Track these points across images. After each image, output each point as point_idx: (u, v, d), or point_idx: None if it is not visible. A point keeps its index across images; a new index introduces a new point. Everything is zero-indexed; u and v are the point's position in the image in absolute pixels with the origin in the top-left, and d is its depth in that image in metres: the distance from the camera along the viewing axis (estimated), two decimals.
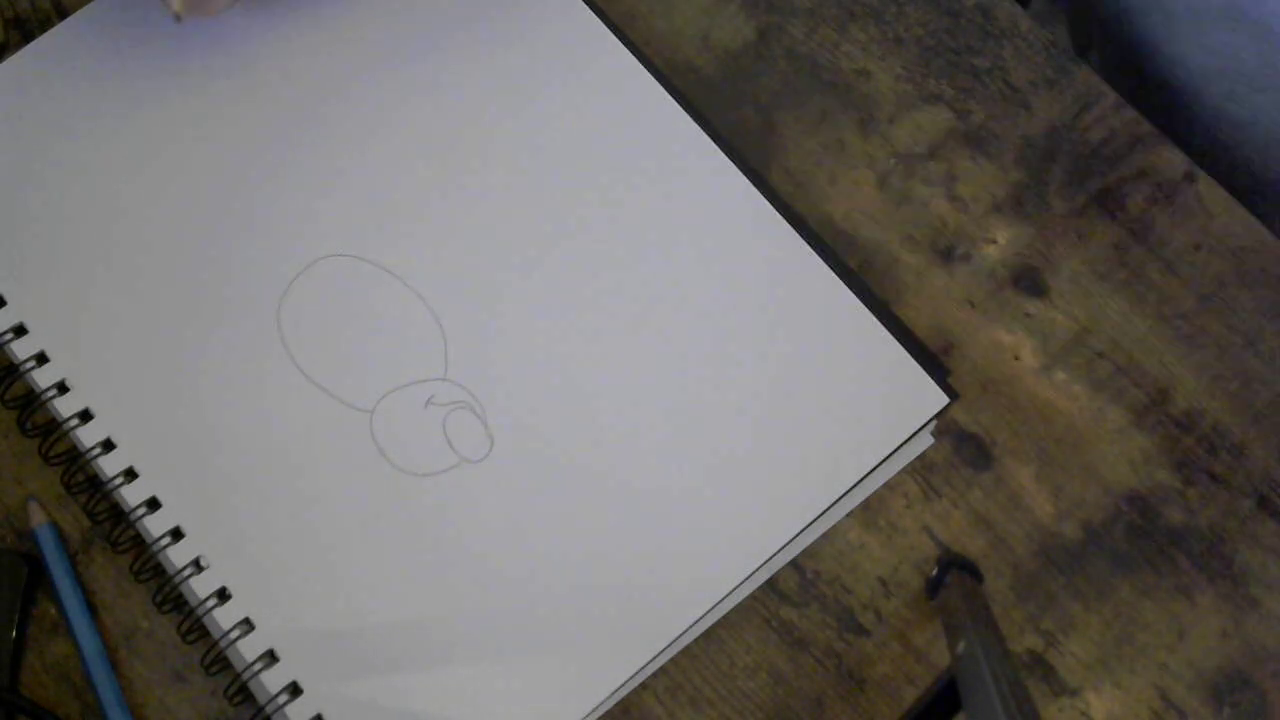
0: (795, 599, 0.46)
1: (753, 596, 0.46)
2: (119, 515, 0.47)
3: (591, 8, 0.52)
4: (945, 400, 0.46)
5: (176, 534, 0.45)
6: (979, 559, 0.47)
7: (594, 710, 0.44)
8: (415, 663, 0.44)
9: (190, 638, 0.45)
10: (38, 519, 0.48)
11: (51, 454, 0.47)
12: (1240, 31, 0.51)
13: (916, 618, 0.46)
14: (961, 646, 0.40)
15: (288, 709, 0.44)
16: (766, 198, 0.49)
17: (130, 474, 0.46)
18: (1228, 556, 0.47)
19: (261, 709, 0.44)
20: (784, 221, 0.49)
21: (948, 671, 0.40)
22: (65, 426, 0.47)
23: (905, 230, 0.51)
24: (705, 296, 0.48)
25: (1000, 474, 0.48)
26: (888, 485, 0.47)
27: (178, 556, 0.45)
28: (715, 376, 0.47)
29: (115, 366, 0.47)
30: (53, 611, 0.47)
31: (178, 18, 0.46)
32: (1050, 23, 0.71)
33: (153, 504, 0.46)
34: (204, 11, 0.48)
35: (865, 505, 0.47)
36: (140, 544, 0.46)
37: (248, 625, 0.45)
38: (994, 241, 0.50)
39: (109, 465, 0.46)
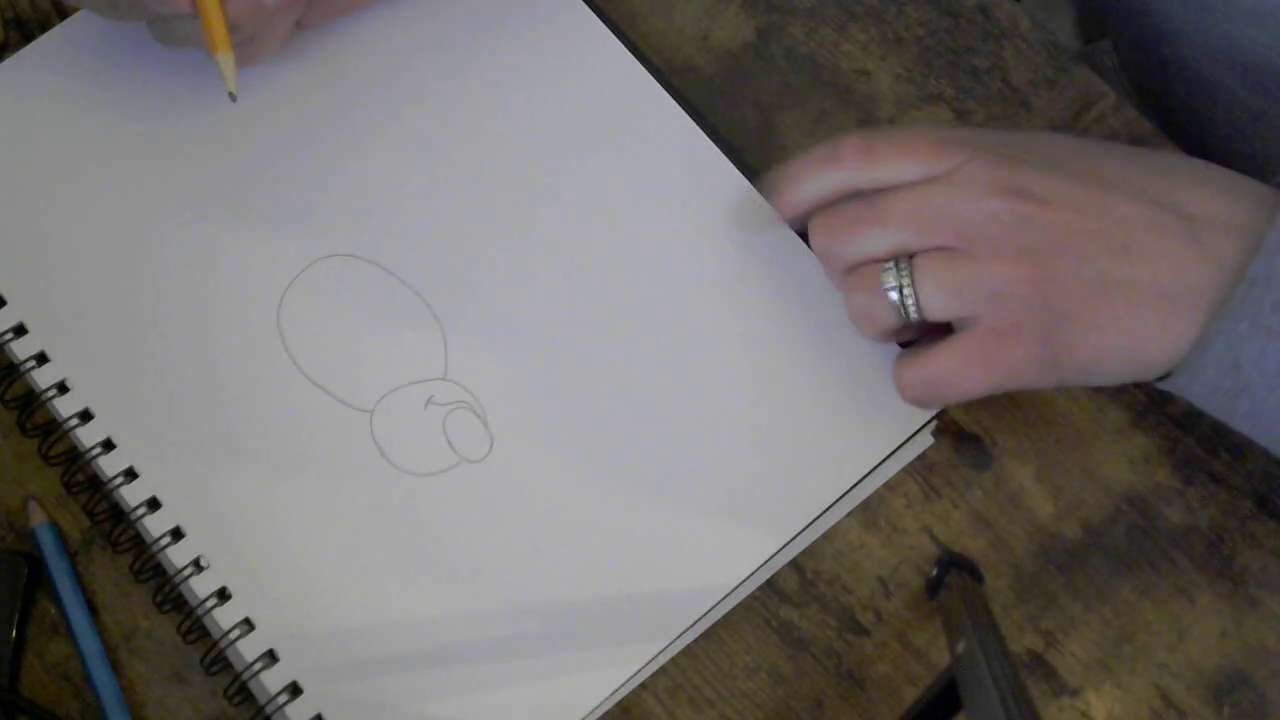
0: (795, 599, 0.46)
1: (753, 596, 0.46)
2: (119, 515, 0.47)
3: (591, 8, 0.52)
4: None
5: (176, 534, 0.45)
6: (979, 559, 0.47)
7: (594, 710, 0.44)
8: (415, 663, 0.44)
9: (190, 638, 0.45)
10: (38, 519, 0.48)
11: (51, 454, 0.47)
12: (1268, 30, 0.51)
13: (916, 618, 0.46)
14: (961, 646, 0.40)
15: (288, 709, 0.44)
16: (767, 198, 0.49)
17: (130, 474, 0.46)
18: (1228, 556, 0.47)
19: (261, 709, 0.44)
20: (784, 221, 0.49)
21: (948, 671, 0.40)
22: (65, 426, 0.47)
23: None
24: (706, 297, 0.48)
25: (1000, 474, 0.48)
26: (888, 485, 0.47)
27: (178, 556, 0.45)
28: (716, 376, 0.47)
29: (115, 367, 0.47)
30: (53, 611, 0.47)
31: (233, 97, 0.46)
32: (1050, 12, 0.71)
33: (153, 504, 0.46)
34: (253, 64, 0.48)
35: (865, 505, 0.47)
36: (140, 544, 0.46)
37: (248, 625, 0.45)
38: None
39: (109, 465, 0.46)
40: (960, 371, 0.43)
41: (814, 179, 0.45)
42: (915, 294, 0.42)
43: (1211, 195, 0.41)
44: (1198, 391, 0.41)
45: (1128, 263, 0.40)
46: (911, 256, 0.42)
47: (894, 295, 0.42)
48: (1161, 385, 0.42)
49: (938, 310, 0.42)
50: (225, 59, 0.45)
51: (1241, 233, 0.40)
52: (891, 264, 0.42)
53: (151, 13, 0.44)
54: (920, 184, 0.42)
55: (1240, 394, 0.40)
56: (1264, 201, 0.40)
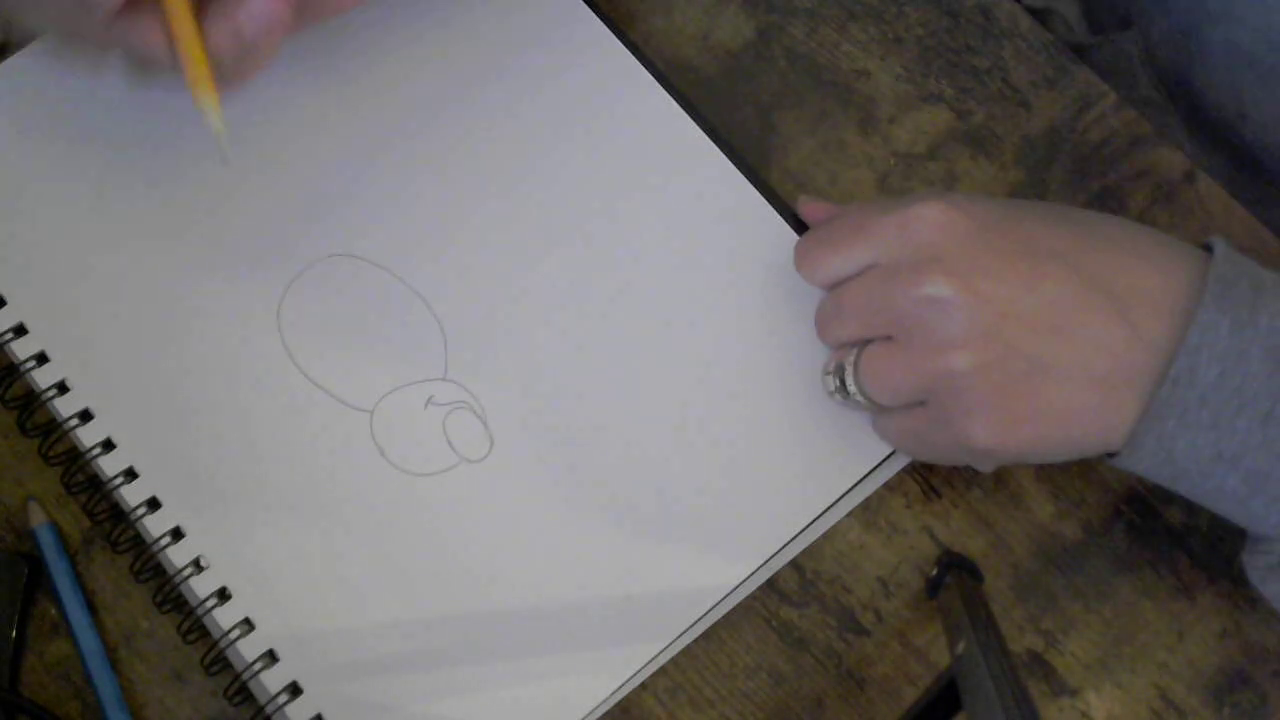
0: (795, 599, 0.46)
1: (753, 596, 0.46)
2: (119, 515, 0.47)
3: (592, 8, 0.52)
4: None
5: (176, 534, 0.45)
6: (979, 559, 0.47)
7: (594, 710, 0.44)
8: (415, 663, 0.44)
9: (190, 638, 0.45)
10: (38, 519, 0.48)
11: (51, 454, 0.47)
12: None
13: (916, 618, 0.46)
14: (961, 646, 0.40)
15: (288, 709, 0.44)
16: (766, 198, 0.49)
17: (130, 474, 0.46)
18: (1228, 556, 0.47)
19: (261, 709, 0.44)
20: (784, 222, 0.49)
21: (948, 671, 0.40)
22: (65, 426, 0.47)
23: None
24: (705, 297, 0.48)
25: (1000, 474, 0.47)
26: (888, 485, 0.47)
27: (178, 556, 0.45)
28: (715, 377, 0.47)
29: (115, 366, 0.47)
30: (53, 611, 0.47)
31: (226, 160, 0.42)
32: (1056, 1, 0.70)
33: (153, 504, 0.46)
34: (243, 83, 0.43)
35: (865, 505, 0.47)
36: (140, 544, 0.46)
37: (248, 625, 0.45)
38: None
39: (109, 465, 0.46)
40: (904, 443, 0.44)
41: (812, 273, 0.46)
42: (858, 386, 0.43)
43: (1144, 271, 0.41)
44: (1141, 472, 0.41)
45: (1057, 347, 0.40)
46: (867, 343, 0.43)
47: (834, 386, 0.44)
48: (1109, 463, 0.42)
49: (884, 400, 0.43)
50: (210, 109, 0.40)
51: (1172, 312, 0.40)
52: (835, 363, 0.44)
53: (118, 45, 0.40)
54: (869, 272, 0.43)
55: (1178, 480, 0.41)
56: (1195, 275, 0.40)
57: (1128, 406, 0.40)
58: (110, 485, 0.46)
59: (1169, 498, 0.47)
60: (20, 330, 0.48)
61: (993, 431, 0.41)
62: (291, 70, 0.51)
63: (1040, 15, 0.58)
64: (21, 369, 0.47)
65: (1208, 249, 0.42)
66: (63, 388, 0.47)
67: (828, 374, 0.45)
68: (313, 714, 0.44)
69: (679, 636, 0.45)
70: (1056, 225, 0.42)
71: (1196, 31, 0.56)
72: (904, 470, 0.47)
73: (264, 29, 0.40)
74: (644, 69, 0.51)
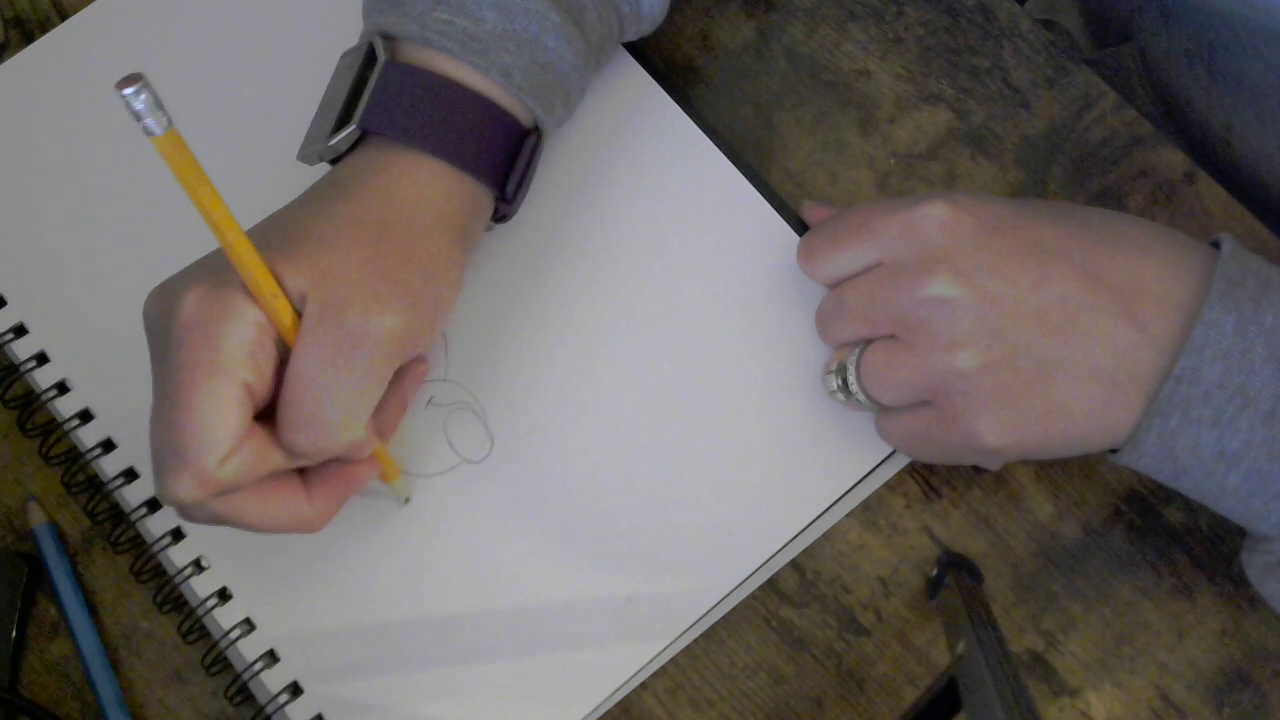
0: (795, 599, 0.46)
1: (753, 596, 0.46)
2: (119, 515, 0.47)
3: None
4: None
5: (177, 534, 0.46)
6: (979, 559, 0.47)
7: (594, 710, 0.44)
8: (415, 663, 0.44)
9: (190, 638, 0.45)
10: (37, 519, 0.48)
11: (51, 454, 0.47)
12: None
13: (916, 618, 0.46)
14: (961, 646, 0.40)
15: (288, 709, 0.44)
16: (766, 198, 0.49)
17: (130, 474, 0.46)
18: (1228, 556, 0.47)
19: (262, 709, 0.44)
20: (784, 222, 0.49)
21: (948, 671, 0.40)
22: (65, 426, 0.47)
23: None
24: (705, 297, 0.48)
25: (1000, 474, 0.48)
26: (888, 485, 0.47)
27: (178, 556, 0.45)
28: (715, 376, 0.47)
29: (115, 367, 0.47)
30: (53, 611, 0.47)
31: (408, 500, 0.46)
32: (1055, 17, 0.70)
33: (153, 504, 0.46)
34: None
35: (865, 505, 0.47)
36: (140, 544, 0.46)
37: (248, 625, 0.45)
38: None
39: (109, 465, 0.46)
40: (907, 443, 0.44)
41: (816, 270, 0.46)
42: (860, 385, 0.43)
43: (1151, 268, 0.41)
44: (1142, 469, 0.41)
45: (1064, 345, 0.40)
46: (869, 343, 0.43)
47: (836, 385, 0.44)
48: (1111, 459, 0.42)
49: (886, 399, 0.43)
50: (399, 483, 0.45)
51: (1178, 309, 0.40)
52: (837, 362, 0.44)
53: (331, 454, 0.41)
54: (873, 271, 0.43)
55: (1179, 477, 0.41)
56: (1202, 272, 0.40)
57: (1133, 404, 0.40)
58: (110, 485, 0.46)
59: (1169, 498, 0.47)
60: (20, 330, 0.48)
61: (1001, 431, 0.41)
62: (295, 71, 0.51)
63: (1042, 27, 0.58)
64: (21, 369, 0.47)
65: (1217, 246, 0.42)
66: (63, 388, 0.47)
67: (829, 373, 0.45)
68: (313, 714, 0.44)
69: (679, 636, 0.45)
70: (1062, 223, 0.42)
71: (1207, 55, 0.56)
72: (904, 470, 0.47)
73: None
74: (643, 69, 0.51)
